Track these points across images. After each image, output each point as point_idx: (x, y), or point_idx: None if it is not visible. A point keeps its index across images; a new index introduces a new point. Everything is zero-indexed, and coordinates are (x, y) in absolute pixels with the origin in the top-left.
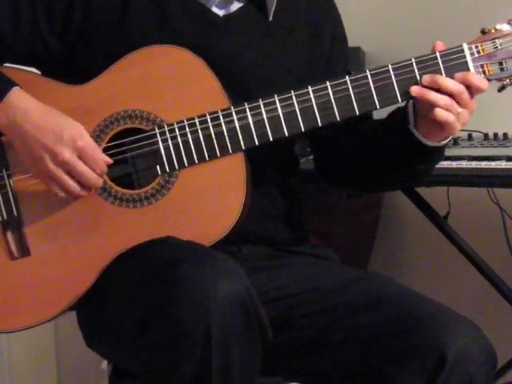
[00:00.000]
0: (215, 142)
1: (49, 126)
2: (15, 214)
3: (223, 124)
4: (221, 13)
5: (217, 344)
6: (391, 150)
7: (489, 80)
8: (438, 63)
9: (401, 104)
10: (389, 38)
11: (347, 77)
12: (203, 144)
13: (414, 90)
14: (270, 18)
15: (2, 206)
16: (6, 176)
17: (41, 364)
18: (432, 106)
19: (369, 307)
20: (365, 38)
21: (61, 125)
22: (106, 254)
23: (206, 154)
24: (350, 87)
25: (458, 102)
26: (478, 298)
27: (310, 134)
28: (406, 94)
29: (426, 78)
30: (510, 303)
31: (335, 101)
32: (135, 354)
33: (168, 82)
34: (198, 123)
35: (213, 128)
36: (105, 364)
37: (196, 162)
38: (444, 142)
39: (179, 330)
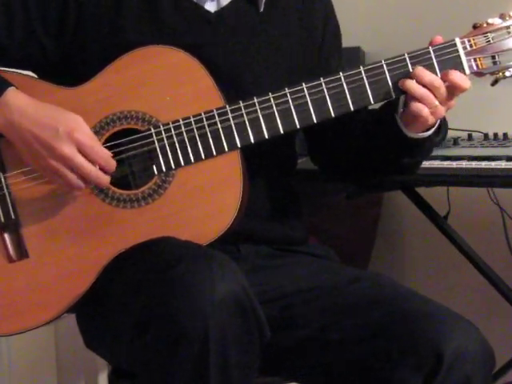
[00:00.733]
0: (211, 140)
1: (45, 121)
2: (13, 216)
3: (219, 123)
4: (212, 8)
5: (214, 344)
6: (377, 140)
7: (482, 74)
8: (431, 58)
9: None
10: (389, 38)
11: (341, 73)
12: (199, 143)
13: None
14: (261, 9)
15: (0, 208)
16: (2, 178)
17: (41, 364)
18: (411, 95)
19: (368, 307)
20: (365, 38)
21: (57, 118)
22: (104, 254)
23: (202, 153)
24: (344, 83)
25: (435, 96)
26: (478, 298)
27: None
28: (399, 89)
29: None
30: (510, 303)
31: (330, 97)
32: (134, 354)
33: (163, 83)
34: (193, 122)
35: (208, 127)
36: (104, 364)
37: (192, 161)
38: (422, 135)
39: (177, 330)
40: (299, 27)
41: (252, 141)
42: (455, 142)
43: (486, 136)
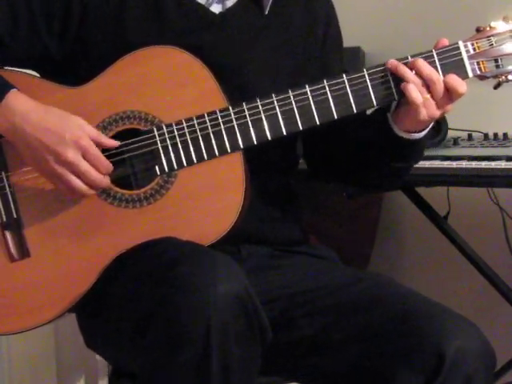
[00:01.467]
0: (214, 141)
1: (49, 126)
2: (15, 215)
3: (221, 124)
4: (217, 10)
5: (216, 344)
6: (368, 139)
7: (485, 77)
8: (434, 61)
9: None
10: (389, 38)
11: (344, 76)
12: (202, 144)
13: (391, 61)
14: (266, 12)
15: (2, 207)
16: (4, 178)
17: (41, 364)
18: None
19: (368, 307)
20: (365, 38)
21: (62, 124)
22: (106, 254)
23: (205, 154)
24: (348, 86)
25: (428, 88)
26: (478, 298)
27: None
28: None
29: (410, 61)
30: (510, 303)
31: (333, 99)
32: (135, 354)
33: (166, 83)
34: (196, 123)
35: (211, 128)
36: (105, 364)
37: (195, 161)
38: (415, 136)
39: (179, 331)
40: (302, 29)
41: (255, 142)
42: (455, 141)
43: (485, 136)
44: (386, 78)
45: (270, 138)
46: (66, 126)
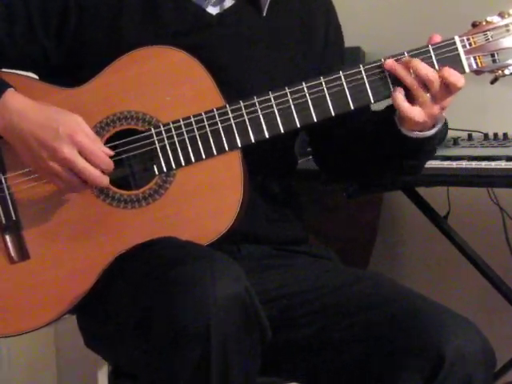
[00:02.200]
0: (211, 140)
1: (45, 122)
2: (14, 217)
3: (219, 122)
4: (215, 11)
5: (216, 344)
6: (377, 141)
7: (482, 72)
8: (430, 56)
9: None
10: (389, 38)
11: (341, 72)
12: (200, 143)
13: (388, 62)
14: (264, 14)
15: (0, 210)
16: (3, 179)
17: (41, 364)
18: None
19: (368, 307)
20: (365, 38)
21: (57, 120)
22: (106, 255)
23: (203, 153)
24: (344, 82)
25: (428, 89)
26: (478, 298)
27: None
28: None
29: (406, 59)
30: (510, 303)
31: (330, 96)
32: (135, 354)
33: (163, 83)
34: (193, 122)
35: (209, 127)
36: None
37: (193, 160)
38: (417, 134)
39: (179, 330)
40: (301, 30)
41: (252, 140)
42: (455, 141)
43: (485, 136)
44: (383, 74)
45: (267, 135)
46: (61, 120)
